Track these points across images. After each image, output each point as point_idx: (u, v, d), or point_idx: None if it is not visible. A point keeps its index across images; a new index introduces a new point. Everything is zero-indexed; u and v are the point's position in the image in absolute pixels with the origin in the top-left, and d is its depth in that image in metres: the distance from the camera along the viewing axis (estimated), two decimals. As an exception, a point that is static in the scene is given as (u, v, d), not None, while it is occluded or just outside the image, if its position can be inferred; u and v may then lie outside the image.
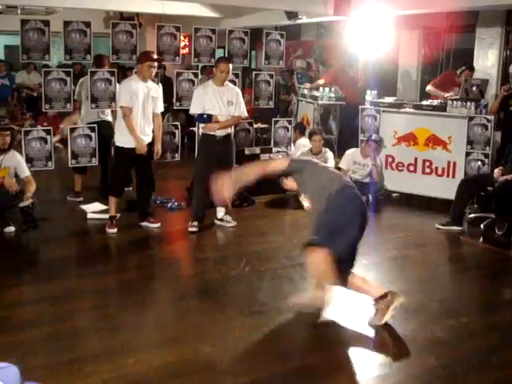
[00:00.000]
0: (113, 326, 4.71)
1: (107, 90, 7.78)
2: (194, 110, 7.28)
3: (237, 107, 7.25)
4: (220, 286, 5.54)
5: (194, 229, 7.19)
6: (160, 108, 7.30)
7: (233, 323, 4.76)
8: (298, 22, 11.66)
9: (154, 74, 7.22)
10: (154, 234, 7.20)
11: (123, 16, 13.48)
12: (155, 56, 7.28)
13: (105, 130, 8.07)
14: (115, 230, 7.02)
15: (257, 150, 9.05)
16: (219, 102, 7.15)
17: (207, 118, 7.16)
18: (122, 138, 6.96)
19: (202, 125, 7.44)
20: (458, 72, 9.42)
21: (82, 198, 8.34)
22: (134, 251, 6.56)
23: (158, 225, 7.31)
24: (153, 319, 4.95)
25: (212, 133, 7.18)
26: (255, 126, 9.29)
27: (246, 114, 7.54)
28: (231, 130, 7.60)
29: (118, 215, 7.23)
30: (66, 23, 7.62)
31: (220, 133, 7.20)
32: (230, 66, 7.22)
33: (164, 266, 6.19)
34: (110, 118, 8.37)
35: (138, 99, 6.93)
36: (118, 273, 5.74)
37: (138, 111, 6.95)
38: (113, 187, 7.21)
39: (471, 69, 9.48)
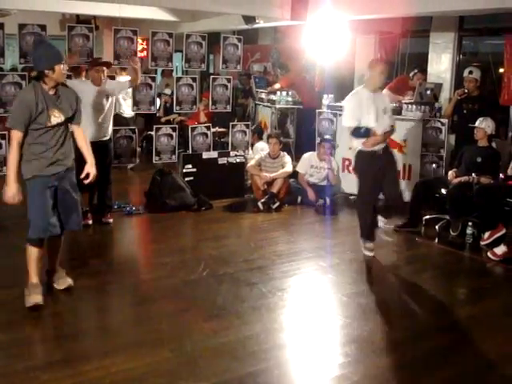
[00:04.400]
0: (70, 332, 4.66)
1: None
2: (349, 122, 6.39)
3: (391, 115, 6.68)
4: (178, 291, 5.53)
5: (368, 252, 6.65)
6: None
7: (192, 328, 4.76)
8: (256, 26, 11.70)
9: (103, 77, 7.24)
10: (111, 239, 7.15)
11: (79, 19, 13.35)
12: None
13: None
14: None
15: (214, 154, 9.04)
16: (376, 112, 6.36)
17: (365, 133, 6.30)
18: None
19: (355, 140, 6.46)
20: (411, 75, 9.60)
21: None
22: (91, 257, 6.49)
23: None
24: (111, 325, 4.91)
25: (371, 148, 6.39)
26: (213, 130, 9.28)
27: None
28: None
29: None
30: (21, 26, 7.53)
31: (380, 145, 6.45)
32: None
33: (122, 271, 6.14)
34: None
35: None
36: (76, 279, 5.68)
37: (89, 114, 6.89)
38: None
39: (423, 71, 9.67)
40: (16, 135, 4.86)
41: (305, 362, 4.36)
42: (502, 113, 9.11)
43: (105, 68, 7.30)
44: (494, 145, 7.76)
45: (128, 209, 8.10)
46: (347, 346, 4.57)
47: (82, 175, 5.21)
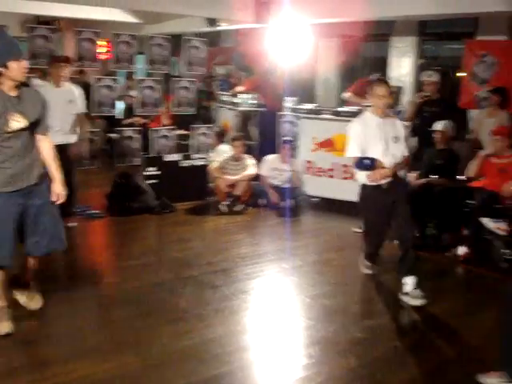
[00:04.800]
0: (33, 338, 4.61)
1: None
2: (352, 152, 5.65)
3: (404, 143, 5.75)
4: (142, 294, 5.49)
5: (365, 270, 6.28)
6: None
7: (156, 331, 4.74)
8: (219, 28, 11.72)
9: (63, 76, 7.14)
10: (74, 243, 7.06)
11: (40, 20, 13.18)
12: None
13: None
14: None
15: (177, 157, 9.01)
16: (385, 141, 5.59)
17: (370, 164, 5.48)
18: None
19: (360, 172, 5.69)
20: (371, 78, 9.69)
21: None
22: (53, 260, 6.40)
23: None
24: (75, 329, 4.84)
25: (376, 182, 5.65)
26: (176, 132, 9.25)
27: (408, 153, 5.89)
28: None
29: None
30: (-20, 27, 7.42)
31: (387, 179, 5.62)
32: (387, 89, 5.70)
33: (84, 275, 6.08)
34: None
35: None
36: (38, 284, 5.60)
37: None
38: None
39: (383, 75, 9.82)
40: None
41: (269, 364, 4.37)
42: (461, 115, 9.26)
43: (66, 66, 7.16)
44: (453, 147, 7.87)
45: (89, 212, 8.03)
46: (311, 348, 4.60)
47: (53, 198, 4.64)
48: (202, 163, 9.25)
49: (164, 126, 9.52)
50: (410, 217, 5.69)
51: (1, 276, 4.60)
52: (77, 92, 7.34)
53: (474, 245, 6.77)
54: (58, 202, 4.68)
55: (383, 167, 5.51)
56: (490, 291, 5.90)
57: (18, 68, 4.29)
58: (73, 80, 8.24)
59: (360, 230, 7.65)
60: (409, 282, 5.53)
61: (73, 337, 4.68)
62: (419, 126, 8.69)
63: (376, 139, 5.54)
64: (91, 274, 6.11)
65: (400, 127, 5.72)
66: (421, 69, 10.30)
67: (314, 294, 5.64)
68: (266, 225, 8.33)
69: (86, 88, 9.07)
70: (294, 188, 8.93)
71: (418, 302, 5.42)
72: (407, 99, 10.00)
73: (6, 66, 4.25)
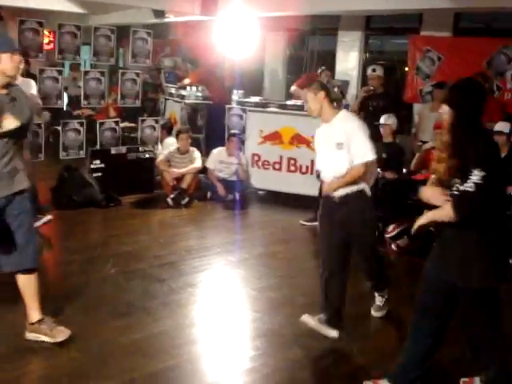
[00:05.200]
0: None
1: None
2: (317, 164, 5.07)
3: (353, 151, 4.53)
4: (86, 289, 5.42)
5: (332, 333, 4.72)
6: None
7: (101, 326, 4.69)
8: (166, 20, 11.63)
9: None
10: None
11: (-19, 9, 12.85)
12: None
13: None
14: None
15: (123, 150, 8.92)
16: (326, 149, 4.69)
17: (317, 176, 5.23)
18: None
19: None
20: (318, 72, 9.79)
21: None
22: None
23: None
24: (15, 326, 4.75)
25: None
26: (122, 125, 9.16)
27: (371, 157, 4.59)
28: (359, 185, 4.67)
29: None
30: None
31: (341, 191, 4.64)
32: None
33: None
34: None
35: None
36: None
37: None
38: None
39: (330, 68, 9.93)
40: None
41: (216, 357, 4.40)
42: (406, 109, 9.43)
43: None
44: (397, 141, 8.01)
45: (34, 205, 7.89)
46: (257, 340, 4.64)
47: None
48: (149, 156, 9.18)
49: (110, 118, 9.43)
50: (368, 253, 4.96)
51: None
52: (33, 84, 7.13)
53: (414, 236, 6.90)
54: None
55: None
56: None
57: (10, 61, 4.00)
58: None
59: (307, 223, 7.75)
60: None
61: (16, 334, 4.60)
62: (364, 120, 8.80)
63: (318, 147, 4.83)
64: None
65: (343, 131, 4.53)
66: (367, 63, 10.44)
67: (260, 287, 5.68)
68: (213, 218, 8.34)
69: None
70: (240, 181, 8.95)
71: (379, 314, 5.22)
72: (353, 93, 10.12)
73: None
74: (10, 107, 4.00)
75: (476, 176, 3.17)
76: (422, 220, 3.49)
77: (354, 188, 4.61)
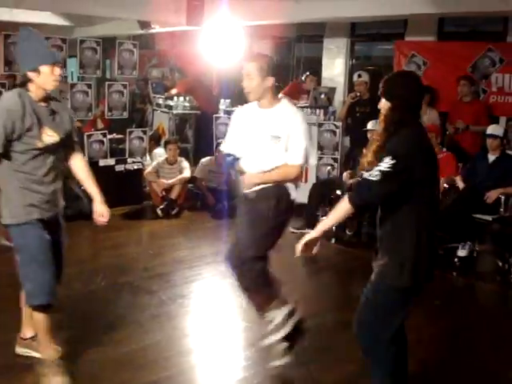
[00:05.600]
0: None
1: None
2: (223, 145, 4.75)
3: (290, 149, 4.15)
4: (74, 303, 5.35)
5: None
6: None
7: (90, 340, 4.66)
8: (152, 31, 11.63)
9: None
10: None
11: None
12: None
13: None
14: None
15: (111, 162, 8.89)
16: (254, 137, 4.24)
17: (232, 162, 4.45)
18: None
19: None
20: (303, 78, 9.83)
21: None
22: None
23: None
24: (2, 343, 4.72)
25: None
26: (109, 136, 9.13)
27: (300, 161, 4.21)
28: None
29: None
30: None
31: (256, 188, 4.28)
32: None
33: (14, 284, 5.93)
34: None
35: None
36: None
37: None
38: None
39: (314, 74, 9.99)
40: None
41: (208, 367, 4.39)
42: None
43: None
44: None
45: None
46: (248, 350, 4.62)
47: (97, 218, 4.26)
48: (137, 167, 9.15)
49: (98, 130, 9.41)
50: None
51: (45, 320, 4.06)
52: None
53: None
54: (103, 221, 4.25)
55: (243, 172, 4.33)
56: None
57: (50, 75, 3.77)
58: (2, 86, 8.07)
59: (297, 230, 7.74)
60: None
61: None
62: (351, 126, 8.86)
63: (238, 130, 4.36)
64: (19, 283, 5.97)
65: (284, 124, 4.09)
66: (353, 69, 10.48)
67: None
68: (203, 227, 8.32)
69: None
70: (229, 190, 8.92)
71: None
72: (340, 100, 10.15)
73: (37, 71, 3.75)
74: (49, 121, 3.86)
75: (385, 164, 3.05)
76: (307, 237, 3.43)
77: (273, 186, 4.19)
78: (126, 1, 9.07)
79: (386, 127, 3.25)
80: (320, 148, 8.81)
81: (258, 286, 4.33)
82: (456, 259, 6.83)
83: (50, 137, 3.82)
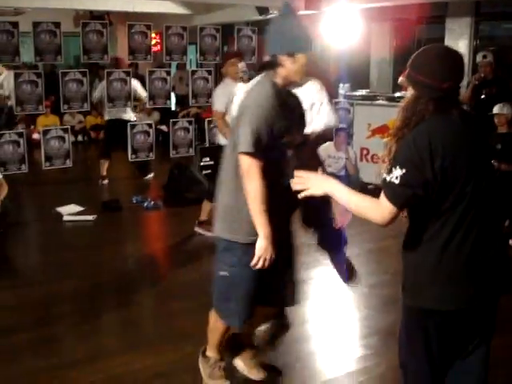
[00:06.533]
0: (89, 330, 4.66)
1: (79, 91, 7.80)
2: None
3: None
4: (202, 286, 5.47)
5: None
6: None
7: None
8: (270, 16, 11.64)
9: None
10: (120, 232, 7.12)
11: (93, 15, 13.34)
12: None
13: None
14: None
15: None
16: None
17: None
18: None
19: None
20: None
21: (107, 181, 9.02)
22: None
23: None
24: (135, 320, 4.89)
25: None
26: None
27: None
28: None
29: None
30: (35, 24, 7.55)
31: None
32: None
33: (150, 263, 6.13)
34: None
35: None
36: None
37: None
38: None
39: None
40: (254, 164, 3.11)
41: (326, 355, 4.35)
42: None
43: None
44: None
45: (146, 204, 8.10)
46: (368, 339, 4.55)
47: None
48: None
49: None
50: None
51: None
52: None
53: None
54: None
55: None
56: None
57: (301, 65, 3.22)
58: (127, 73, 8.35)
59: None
60: None
61: (131, 328, 4.72)
62: (475, 108, 8.52)
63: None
64: (150, 263, 6.19)
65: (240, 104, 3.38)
66: (477, 50, 10.06)
67: (372, 284, 5.57)
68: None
69: (142, 81, 9.20)
70: (348, 176, 8.83)
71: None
72: (463, 82, 9.78)
73: (294, 58, 3.18)
74: (295, 115, 3.42)
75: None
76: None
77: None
78: (246, -13, 9.13)
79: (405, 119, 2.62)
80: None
81: None
82: None
83: (297, 136, 3.45)
